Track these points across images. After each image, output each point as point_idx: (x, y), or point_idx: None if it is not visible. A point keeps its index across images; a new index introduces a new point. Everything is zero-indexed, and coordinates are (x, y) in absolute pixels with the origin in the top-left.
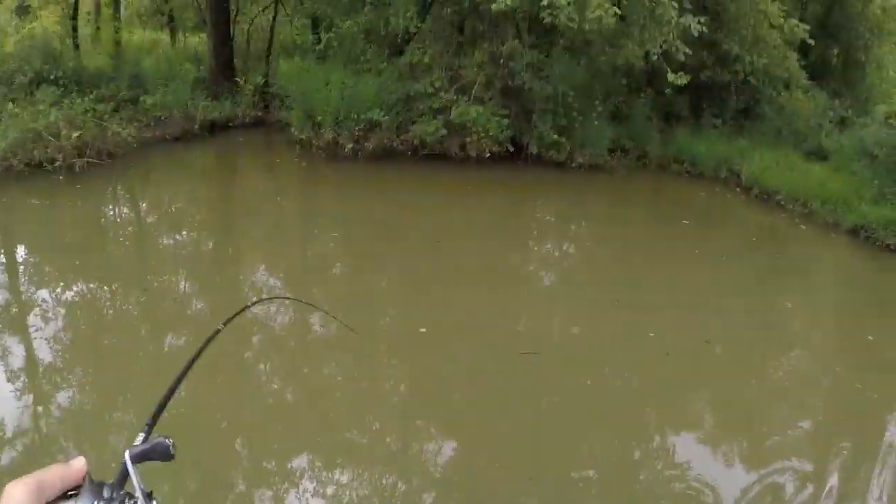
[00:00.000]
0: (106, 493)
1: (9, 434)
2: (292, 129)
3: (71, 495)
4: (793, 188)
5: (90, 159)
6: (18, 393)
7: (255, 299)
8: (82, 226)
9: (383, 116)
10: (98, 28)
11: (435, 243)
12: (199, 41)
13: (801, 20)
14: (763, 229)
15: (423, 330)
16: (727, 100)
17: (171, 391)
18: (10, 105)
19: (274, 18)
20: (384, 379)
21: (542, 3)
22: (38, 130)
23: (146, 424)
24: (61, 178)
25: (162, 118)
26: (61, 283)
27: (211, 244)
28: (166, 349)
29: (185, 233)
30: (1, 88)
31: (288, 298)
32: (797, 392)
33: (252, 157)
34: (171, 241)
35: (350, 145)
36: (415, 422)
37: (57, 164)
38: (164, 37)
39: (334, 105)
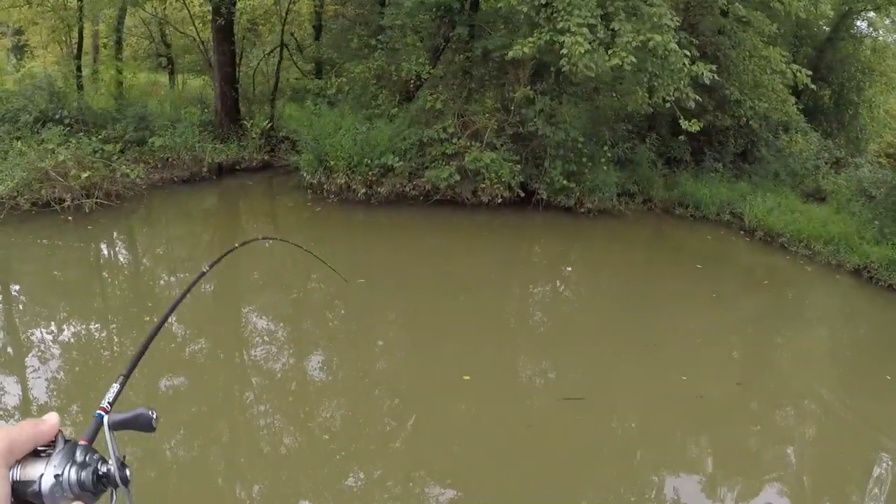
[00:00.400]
0: (79, 457)
1: None
2: (303, 174)
3: (42, 452)
4: (796, 230)
5: (99, 200)
6: None
7: (238, 243)
8: (96, 268)
9: (398, 162)
10: (96, 70)
11: (455, 289)
12: (199, 84)
13: (793, 62)
14: (771, 272)
15: (468, 378)
16: (726, 144)
17: (149, 340)
18: (18, 143)
19: (279, 63)
20: (418, 426)
21: (561, 52)
22: (46, 170)
23: (121, 375)
24: (70, 218)
25: (169, 160)
26: (66, 324)
27: (222, 291)
28: (160, 391)
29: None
30: (5, 126)
31: (278, 239)
32: (826, 435)
33: (264, 201)
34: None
35: (363, 190)
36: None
37: (65, 204)
38: (163, 79)
39: (347, 150)
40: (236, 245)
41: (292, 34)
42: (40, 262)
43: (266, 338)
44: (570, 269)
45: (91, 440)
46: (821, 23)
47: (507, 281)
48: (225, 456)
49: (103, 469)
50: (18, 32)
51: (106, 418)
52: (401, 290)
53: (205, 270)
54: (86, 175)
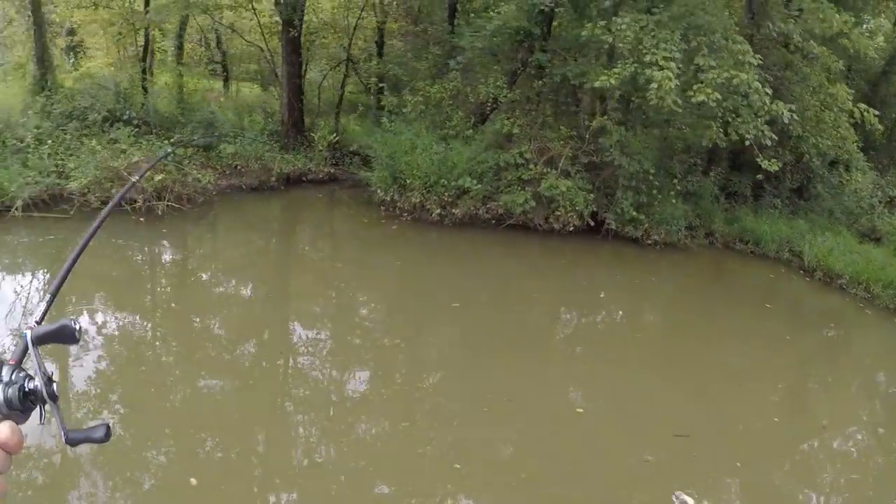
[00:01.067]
0: (5, 376)
1: None
2: (377, 190)
3: None
4: (855, 272)
5: (170, 203)
6: None
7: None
8: (169, 270)
9: (475, 185)
10: (152, 73)
11: (536, 316)
12: (253, 92)
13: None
14: (833, 314)
15: (581, 410)
16: (783, 179)
17: (74, 260)
18: (93, 142)
19: (344, 77)
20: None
21: (650, 85)
22: (118, 169)
23: (49, 294)
24: (142, 220)
25: (238, 167)
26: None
27: (268, 296)
28: (202, 391)
29: (268, 287)
30: (73, 123)
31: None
32: None
33: (337, 215)
34: (256, 296)
35: (438, 211)
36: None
37: (136, 205)
38: (217, 85)
39: (424, 169)
40: (169, 150)
41: (346, 49)
42: (116, 262)
43: (321, 349)
44: (643, 301)
45: (19, 360)
46: (875, 56)
47: (583, 311)
48: (272, 465)
49: (30, 385)
50: (71, 32)
51: (29, 333)
52: (486, 312)
53: (135, 180)
54: (159, 178)
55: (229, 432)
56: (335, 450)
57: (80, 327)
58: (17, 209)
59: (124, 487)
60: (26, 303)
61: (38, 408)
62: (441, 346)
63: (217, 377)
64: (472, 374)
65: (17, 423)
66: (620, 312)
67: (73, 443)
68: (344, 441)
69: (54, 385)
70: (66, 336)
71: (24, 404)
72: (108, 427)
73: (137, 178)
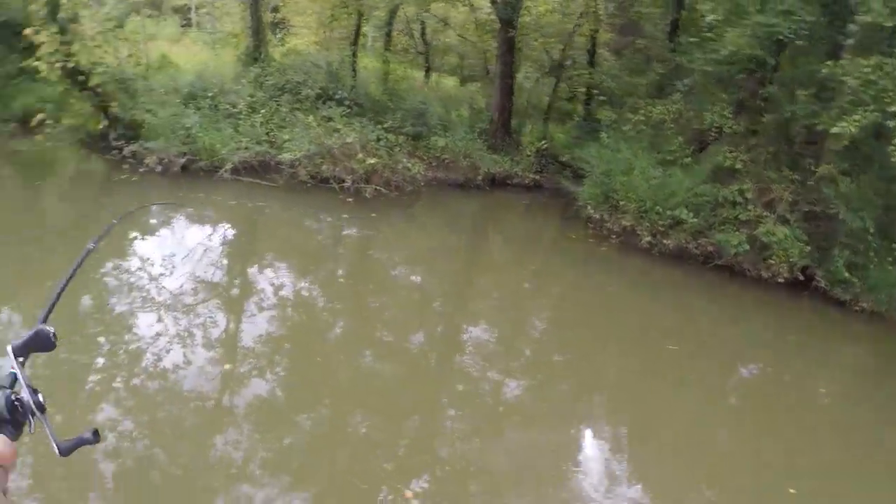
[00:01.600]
0: None
1: None
2: (586, 206)
3: None
4: None
5: (378, 187)
6: None
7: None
8: (368, 253)
9: (691, 217)
10: (354, 56)
11: (734, 370)
12: (451, 85)
13: None
14: None
15: (793, 491)
16: None
17: (61, 291)
18: (309, 118)
19: (556, 83)
20: None
21: (894, 140)
22: (331, 147)
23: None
24: (350, 200)
25: (445, 161)
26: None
27: (481, 302)
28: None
29: (453, 284)
30: (286, 97)
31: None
32: None
33: (542, 225)
34: (440, 290)
35: (648, 238)
36: None
37: (345, 185)
38: (418, 75)
39: (640, 193)
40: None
41: (560, 55)
42: (316, 235)
43: (491, 352)
44: (835, 372)
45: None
46: None
47: (770, 370)
48: (414, 451)
49: (17, 397)
50: (275, 10)
51: (10, 346)
52: (678, 352)
53: (91, 246)
54: (372, 161)
55: (384, 414)
56: (480, 450)
57: (54, 332)
58: (226, 171)
59: (270, 442)
60: (214, 258)
61: (27, 422)
62: (614, 373)
63: (383, 361)
64: (637, 404)
65: (10, 439)
66: (811, 381)
67: (65, 452)
68: (491, 444)
69: (40, 395)
70: (41, 341)
71: (13, 416)
72: (95, 430)
73: (95, 242)
